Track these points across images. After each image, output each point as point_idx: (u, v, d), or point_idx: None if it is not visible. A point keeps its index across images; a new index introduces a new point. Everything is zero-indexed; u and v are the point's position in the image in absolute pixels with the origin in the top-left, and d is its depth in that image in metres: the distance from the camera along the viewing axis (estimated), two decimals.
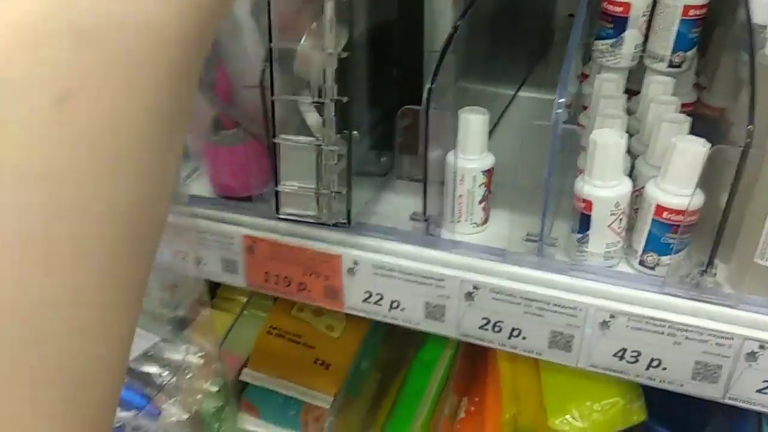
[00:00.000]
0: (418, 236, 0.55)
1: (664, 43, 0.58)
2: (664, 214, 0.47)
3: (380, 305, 0.57)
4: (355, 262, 0.56)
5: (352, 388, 0.81)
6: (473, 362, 0.82)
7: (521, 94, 0.76)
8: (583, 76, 0.66)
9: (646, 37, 0.59)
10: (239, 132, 0.60)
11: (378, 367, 0.89)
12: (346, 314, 0.83)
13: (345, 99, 0.48)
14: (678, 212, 0.47)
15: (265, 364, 0.82)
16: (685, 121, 0.50)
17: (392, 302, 0.57)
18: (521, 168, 0.49)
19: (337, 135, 0.49)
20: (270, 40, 0.47)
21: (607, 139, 0.47)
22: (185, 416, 0.63)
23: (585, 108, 0.62)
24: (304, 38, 0.47)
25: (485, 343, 0.54)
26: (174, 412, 0.63)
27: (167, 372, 0.62)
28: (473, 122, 0.52)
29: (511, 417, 0.70)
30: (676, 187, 0.47)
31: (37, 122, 0.20)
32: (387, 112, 0.54)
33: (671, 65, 0.58)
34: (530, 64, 0.80)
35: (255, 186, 0.61)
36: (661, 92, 0.56)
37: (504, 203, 0.57)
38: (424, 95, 0.49)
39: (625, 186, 0.49)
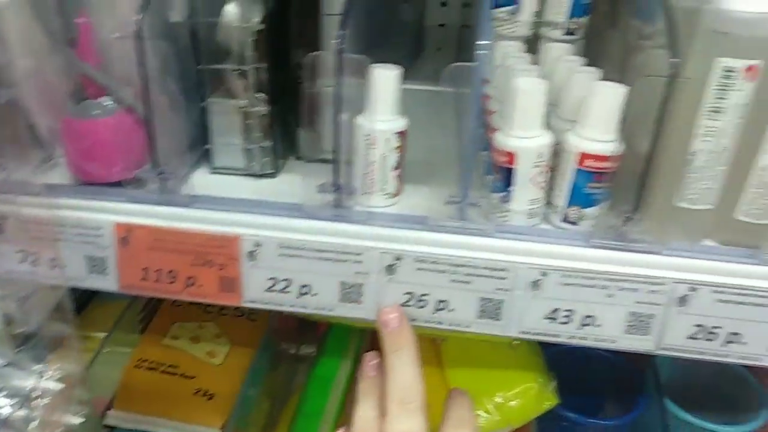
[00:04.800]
0: (328, 210, 0.49)
1: (557, 9, 0.58)
2: (588, 162, 0.46)
3: (288, 292, 0.50)
4: (257, 244, 0.49)
5: (241, 419, 0.72)
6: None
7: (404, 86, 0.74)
8: None
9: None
10: (107, 101, 0.50)
11: (268, 393, 0.80)
12: (230, 339, 0.76)
13: (264, 65, 0.51)
14: (602, 158, 0.45)
15: (135, 402, 0.70)
16: (596, 72, 0.49)
17: (302, 287, 0.50)
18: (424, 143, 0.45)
19: (258, 96, 0.52)
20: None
21: (530, 86, 0.45)
22: None
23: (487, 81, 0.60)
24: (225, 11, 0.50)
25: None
26: None
27: (15, 402, 0.50)
28: (385, 78, 0.48)
29: None
30: (599, 133, 0.46)
31: None
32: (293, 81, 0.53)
33: (567, 32, 0.59)
34: (409, 59, 0.79)
35: (127, 167, 0.51)
36: (565, 53, 0.56)
37: (415, 178, 0.53)
38: (337, 41, 0.44)
39: (547, 137, 0.47)
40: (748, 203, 0.46)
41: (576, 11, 0.58)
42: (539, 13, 0.59)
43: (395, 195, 0.52)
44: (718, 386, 0.77)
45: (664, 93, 0.41)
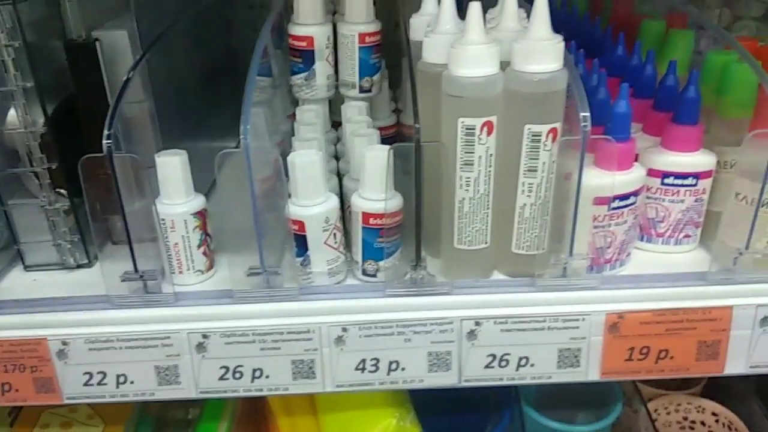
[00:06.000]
0: (135, 297, 0.50)
1: (350, 70, 0.62)
2: (370, 221, 0.50)
3: (105, 384, 0.50)
4: (65, 343, 0.49)
5: None
6: (255, 426, 0.77)
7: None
8: (293, 116, 0.68)
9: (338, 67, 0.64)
10: None
11: None
12: (103, 419, 0.74)
13: (54, 165, 0.53)
14: (379, 216, 0.49)
15: None
16: (374, 134, 0.53)
17: (118, 377, 0.50)
18: (239, 210, 0.48)
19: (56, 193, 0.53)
20: None
21: (304, 158, 0.48)
22: None
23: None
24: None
25: (229, 394, 0.50)
26: None
27: None
28: (170, 165, 0.50)
29: None
30: (374, 193, 0.49)
31: None
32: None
33: (362, 90, 0.63)
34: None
35: None
36: (356, 114, 0.60)
37: (231, 248, 0.55)
38: (104, 142, 0.45)
39: (332, 201, 0.50)
40: (518, 238, 0.51)
41: (365, 70, 0.62)
42: (336, 76, 0.63)
43: (207, 270, 0.53)
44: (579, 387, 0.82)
45: (414, 155, 0.45)
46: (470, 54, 0.45)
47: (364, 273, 0.52)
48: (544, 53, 0.45)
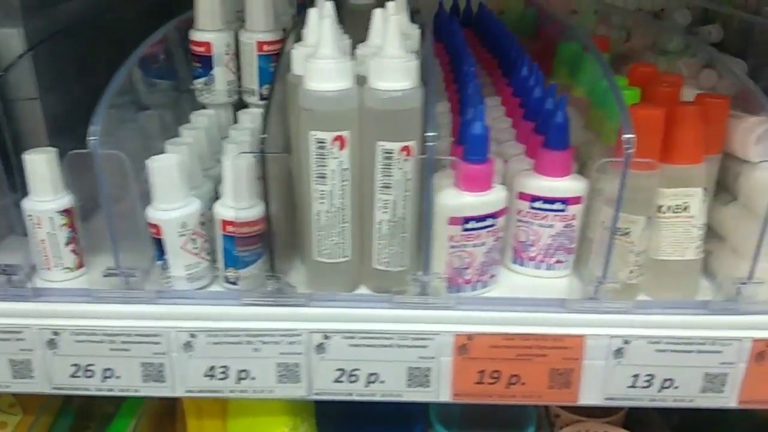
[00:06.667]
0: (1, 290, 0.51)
1: (250, 78, 0.63)
2: (229, 228, 0.50)
3: None
4: None
5: None
6: (170, 426, 0.78)
7: None
8: None
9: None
10: None
11: None
12: (24, 408, 0.75)
13: None
14: (238, 224, 0.49)
15: None
16: (244, 143, 0.54)
17: None
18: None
19: None
20: None
21: (161, 163, 0.49)
22: None
23: None
24: None
25: (81, 392, 0.51)
26: None
27: None
28: (37, 163, 0.50)
29: None
30: (233, 201, 0.50)
31: None
32: None
33: (262, 98, 0.63)
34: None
35: None
36: (249, 121, 0.61)
37: (101, 247, 0.55)
38: None
39: (192, 206, 0.50)
40: (378, 254, 0.51)
41: (265, 78, 0.63)
42: (237, 82, 0.64)
43: (77, 268, 0.54)
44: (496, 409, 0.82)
45: (258, 166, 0.45)
46: (321, 68, 0.45)
47: (227, 281, 0.52)
48: (394, 71, 0.45)
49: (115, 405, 0.87)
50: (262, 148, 0.45)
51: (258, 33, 0.61)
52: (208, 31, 0.61)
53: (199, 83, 0.63)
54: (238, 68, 0.64)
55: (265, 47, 0.62)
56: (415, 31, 0.58)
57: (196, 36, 0.62)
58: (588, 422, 0.86)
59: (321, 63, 0.45)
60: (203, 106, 0.66)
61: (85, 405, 0.84)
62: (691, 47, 0.70)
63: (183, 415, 0.75)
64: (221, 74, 0.63)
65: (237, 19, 0.65)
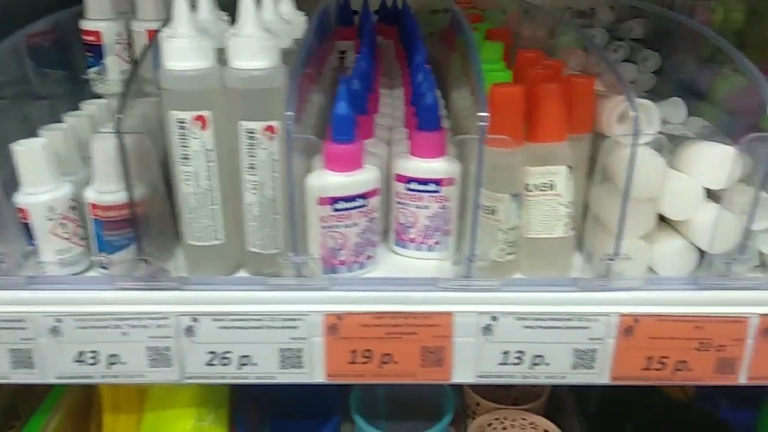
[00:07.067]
0: None
1: (148, 66, 0.63)
2: (96, 212, 0.49)
3: None
4: None
5: None
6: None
7: None
8: None
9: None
10: None
11: None
12: None
13: None
14: (104, 208, 0.49)
15: None
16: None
17: None
18: None
19: None
20: None
21: (25, 146, 0.48)
22: None
23: None
24: None
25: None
26: None
27: None
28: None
29: None
30: (101, 185, 0.49)
31: None
32: None
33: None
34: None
35: None
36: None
37: None
38: None
39: (60, 191, 0.50)
40: (251, 236, 0.51)
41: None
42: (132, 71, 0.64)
43: None
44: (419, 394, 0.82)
45: (119, 146, 0.45)
46: (177, 47, 0.45)
47: (101, 265, 0.52)
48: (252, 51, 0.45)
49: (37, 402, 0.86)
50: (118, 129, 0.45)
51: (148, 22, 0.61)
52: (98, 20, 0.61)
53: (92, 73, 0.63)
54: (133, 58, 0.64)
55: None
56: (299, 18, 0.58)
57: (86, 25, 0.62)
58: (506, 410, 0.86)
59: (177, 42, 0.45)
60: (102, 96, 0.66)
61: (8, 405, 0.82)
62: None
63: (99, 410, 0.75)
64: (113, 63, 0.63)
65: (132, 10, 0.65)
